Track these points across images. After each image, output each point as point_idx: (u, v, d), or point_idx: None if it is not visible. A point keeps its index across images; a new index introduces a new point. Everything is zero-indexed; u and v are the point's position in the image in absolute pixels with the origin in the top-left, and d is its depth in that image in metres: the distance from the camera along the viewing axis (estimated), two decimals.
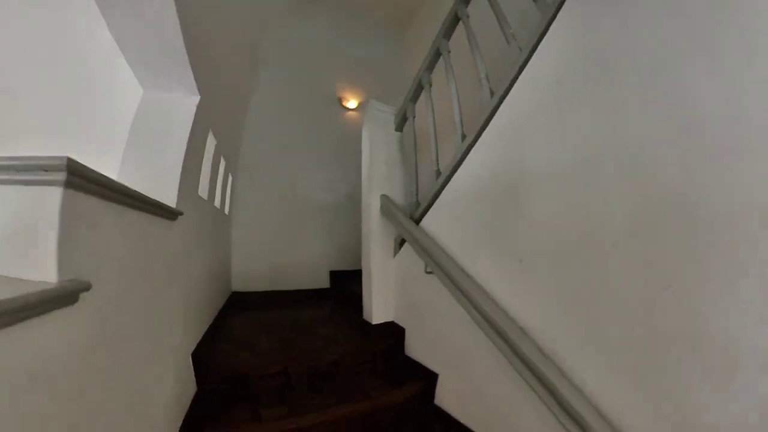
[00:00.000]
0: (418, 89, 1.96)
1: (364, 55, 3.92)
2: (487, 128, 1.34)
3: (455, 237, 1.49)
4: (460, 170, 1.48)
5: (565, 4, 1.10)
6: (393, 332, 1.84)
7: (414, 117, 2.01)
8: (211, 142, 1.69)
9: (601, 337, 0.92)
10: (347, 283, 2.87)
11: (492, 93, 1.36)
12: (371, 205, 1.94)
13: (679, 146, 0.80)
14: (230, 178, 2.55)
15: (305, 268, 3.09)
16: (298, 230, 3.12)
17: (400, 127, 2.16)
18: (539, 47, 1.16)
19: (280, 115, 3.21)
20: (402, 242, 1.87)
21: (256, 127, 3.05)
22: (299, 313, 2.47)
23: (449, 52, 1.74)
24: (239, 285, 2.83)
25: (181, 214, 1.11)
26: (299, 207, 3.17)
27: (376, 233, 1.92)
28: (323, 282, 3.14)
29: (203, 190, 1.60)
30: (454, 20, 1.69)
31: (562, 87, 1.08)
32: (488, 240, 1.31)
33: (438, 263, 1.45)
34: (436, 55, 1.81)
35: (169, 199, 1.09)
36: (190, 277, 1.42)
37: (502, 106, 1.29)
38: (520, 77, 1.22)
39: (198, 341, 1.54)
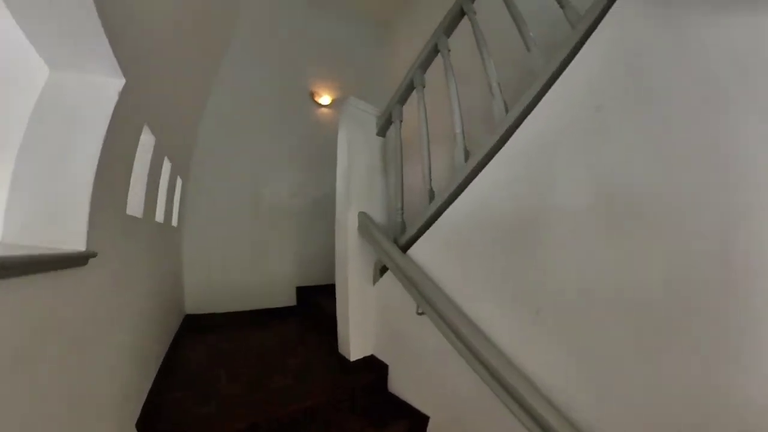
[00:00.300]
0: (408, 90, 1.72)
1: (342, 48, 3.60)
2: (503, 149, 1.14)
3: (454, 272, 1.29)
4: (464, 194, 1.27)
5: (606, 19, 0.94)
6: (374, 367, 1.61)
7: (401, 121, 1.77)
8: (147, 141, 1.31)
9: (626, 403, 0.81)
10: (315, 300, 2.60)
11: (507, 107, 1.16)
12: (348, 223, 1.67)
13: (726, 201, 0.71)
14: (179, 183, 2.12)
15: (269, 284, 2.73)
16: (261, 241, 2.74)
17: (383, 132, 1.91)
18: (572, 63, 0.99)
19: (243, 109, 2.79)
20: (384, 269, 1.63)
21: (214, 122, 2.61)
22: (264, 338, 2.13)
23: (449, 50, 1.51)
24: (194, 307, 2.41)
25: (93, 256, 0.76)
26: (262, 214, 2.79)
27: (354, 256, 1.65)
28: (289, 299, 2.80)
29: (136, 206, 1.22)
30: (458, 15, 1.47)
31: (601, 115, 0.92)
32: (498, 281, 1.13)
33: (431, 303, 1.24)
34: (434, 52, 1.59)
35: (74, 236, 0.73)
36: (123, 325, 1.06)
37: (523, 125, 1.09)
38: (548, 95, 1.04)
39: (145, 397, 1.23)
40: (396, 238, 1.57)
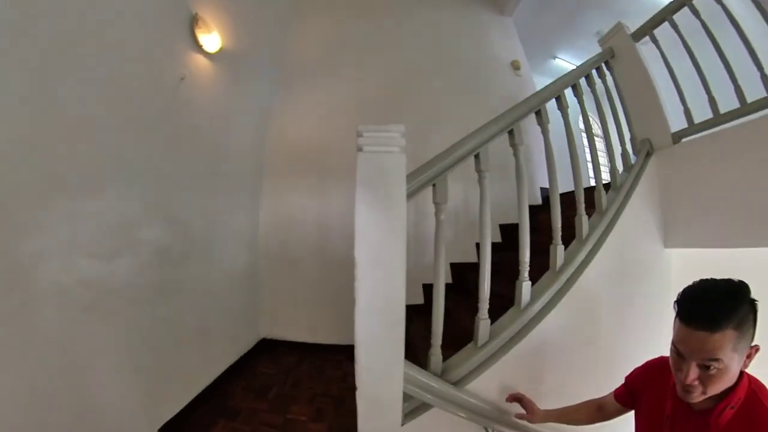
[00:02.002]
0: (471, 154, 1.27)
1: None
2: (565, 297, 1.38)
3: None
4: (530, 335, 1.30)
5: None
6: None
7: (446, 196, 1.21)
8: None
9: None
10: None
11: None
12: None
13: None
14: None
15: None
16: (54, 363, 1.17)
17: (414, 192, 1.22)
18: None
19: (19, 26, 1.08)
20: (421, 406, 1.15)
21: None
22: None
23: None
24: None
25: None
26: (43, 304, 1.18)
27: None
28: None
29: None
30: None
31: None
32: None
33: None
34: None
35: None
36: None
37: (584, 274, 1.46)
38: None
39: None
40: (433, 368, 1.21)
